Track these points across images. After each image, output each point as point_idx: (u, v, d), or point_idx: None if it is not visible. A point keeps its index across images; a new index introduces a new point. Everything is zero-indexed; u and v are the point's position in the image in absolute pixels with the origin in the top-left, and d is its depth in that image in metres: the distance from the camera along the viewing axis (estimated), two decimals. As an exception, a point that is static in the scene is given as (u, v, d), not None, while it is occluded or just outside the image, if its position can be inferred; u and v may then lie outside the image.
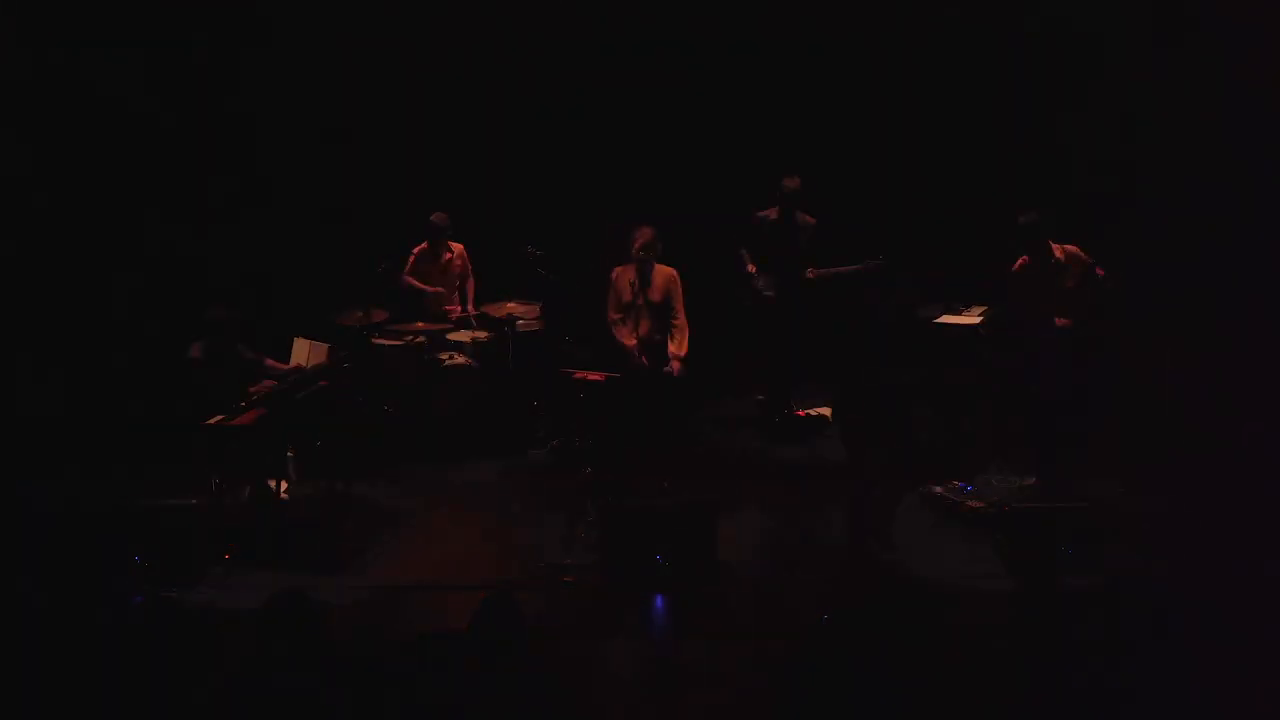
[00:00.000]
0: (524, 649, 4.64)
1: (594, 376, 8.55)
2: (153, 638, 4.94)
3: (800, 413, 10.17)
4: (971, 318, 9.42)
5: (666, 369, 9.12)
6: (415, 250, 10.19)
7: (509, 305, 9.92)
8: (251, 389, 8.39)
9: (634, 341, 8.83)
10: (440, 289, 10.17)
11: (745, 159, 11.12)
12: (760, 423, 10.14)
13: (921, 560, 7.78)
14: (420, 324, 9.93)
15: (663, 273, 9.41)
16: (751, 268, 9.92)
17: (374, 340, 9.69)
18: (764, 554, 7.96)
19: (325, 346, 9.18)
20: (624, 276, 9.31)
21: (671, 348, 9.18)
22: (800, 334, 10.11)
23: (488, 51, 11.70)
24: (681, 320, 9.37)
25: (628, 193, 11.30)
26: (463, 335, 9.99)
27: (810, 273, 9.85)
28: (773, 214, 9.92)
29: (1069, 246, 8.38)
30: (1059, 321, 8.36)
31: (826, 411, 10.18)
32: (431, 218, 10.10)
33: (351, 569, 7.81)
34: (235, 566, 7.75)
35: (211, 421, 8.06)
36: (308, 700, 4.58)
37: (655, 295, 9.36)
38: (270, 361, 8.73)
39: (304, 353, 9.07)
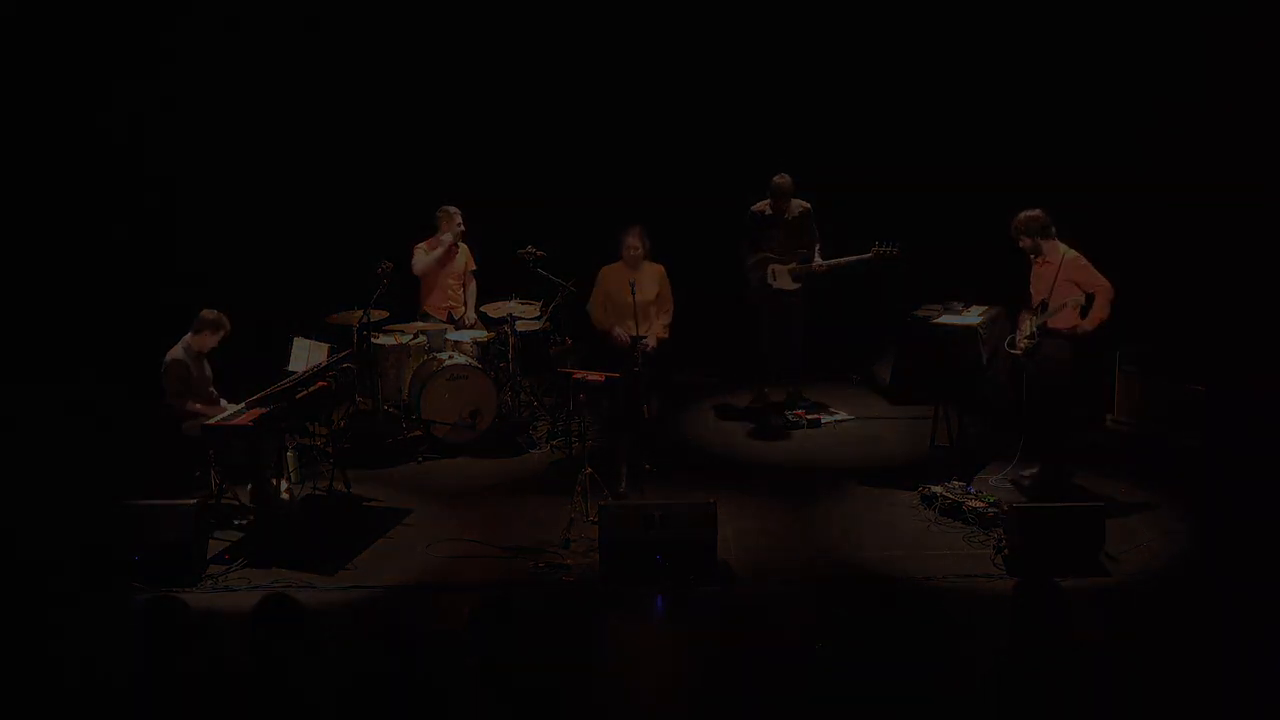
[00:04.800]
0: (520, 648, 4.64)
1: (594, 377, 8.55)
2: (153, 638, 4.93)
3: (800, 413, 10.17)
4: (971, 318, 9.41)
5: (643, 342, 9.16)
6: (431, 244, 10.10)
7: (509, 305, 9.95)
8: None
9: (618, 330, 9.04)
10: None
11: (744, 152, 11.17)
12: (760, 421, 10.15)
13: (921, 560, 7.78)
14: (420, 324, 9.98)
15: (652, 270, 9.50)
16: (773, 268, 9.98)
17: (374, 340, 9.70)
18: (764, 554, 7.95)
19: (325, 346, 9.18)
20: (616, 277, 9.32)
21: (658, 328, 9.32)
22: (804, 328, 10.13)
23: (487, 50, 11.73)
24: (670, 306, 9.56)
25: (627, 191, 11.33)
26: (463, 334, 10.00)
27: (819, 266, 9.86)
28: (766, 207, 9.95)
29: (1074, 255, 8.24)
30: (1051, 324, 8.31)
31: (828, 415, 10.21)
32: (459, 221, 10.05)
33: (350, 569, 7.80)
34: (235, 566, 7.76)
35: (211, 422, 8.08)
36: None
37: (649, 293, 9.42)
38: (197, 406, 8.49)
39: (304, 353, 9.08)
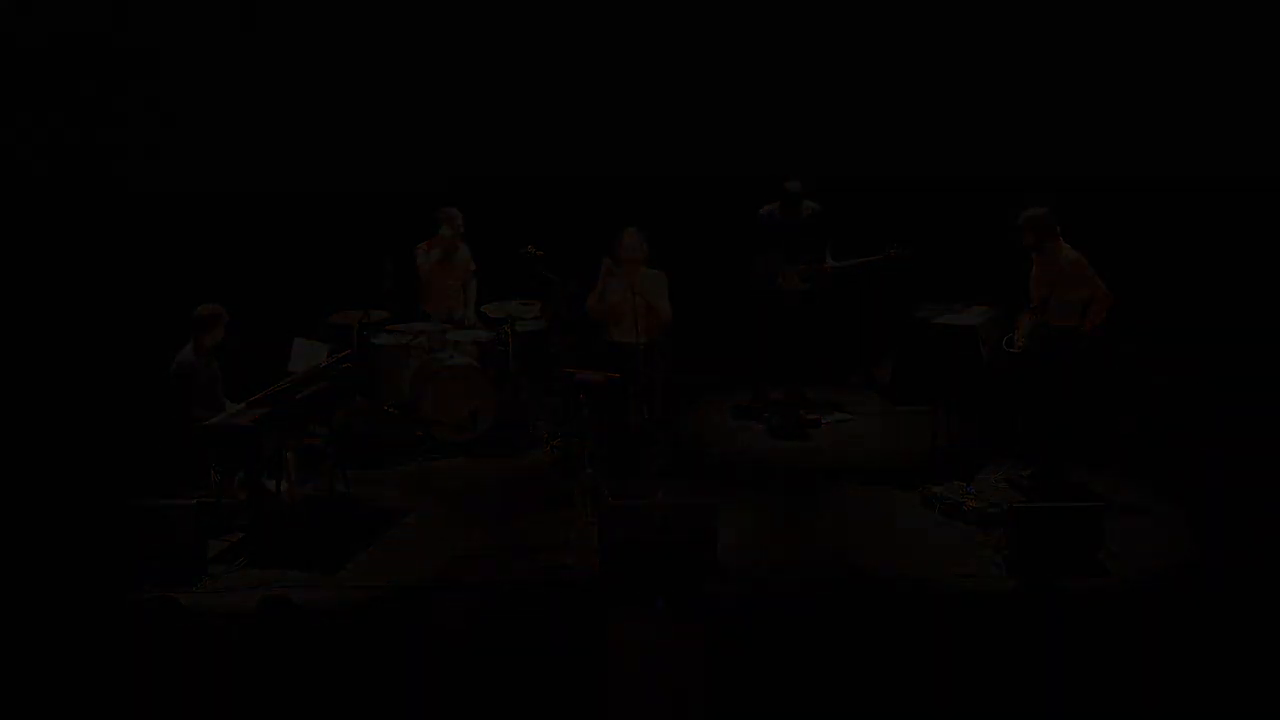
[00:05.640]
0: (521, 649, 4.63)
1: (595, 377, 8.54)
2: (153, 638, 4.93)
3: (801, 414, 10.17)
4: (971, 318, 9.43)
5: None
6: (431, 245, 10.07)
7: (509, 305, 9.95)
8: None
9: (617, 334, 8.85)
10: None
11: (748, 152, 11.18)
12: (762, 421, 10.15)
13: (921, 560, 7.78)
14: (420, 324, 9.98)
15: (651, 276, 9.20)
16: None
17: (373, 340, 9.70)
18: (764, 555, 7.95)
19: (325, 347, 9.17)
20: (617, 280, 9.06)
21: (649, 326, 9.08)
22: (814, 330, 10.12)
23: (489, 49, 11.74)
24: (668, 315, 9.21)
25: (628, 191, 11.33)
26: (463, 334, 10.00)
27: (829, 266, 9.87)
28: (776, 210, 9.95)
29: (1076, 257, 8.26)
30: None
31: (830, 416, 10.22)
32: (460, 222, 10.05)
33: (350, 569, 7.80)
34: (235, 566, 7.76)
35: (211, 422, 8.07)
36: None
37: (645, 298, 9.30)
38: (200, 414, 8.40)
39: (304, 353, 9.07)
